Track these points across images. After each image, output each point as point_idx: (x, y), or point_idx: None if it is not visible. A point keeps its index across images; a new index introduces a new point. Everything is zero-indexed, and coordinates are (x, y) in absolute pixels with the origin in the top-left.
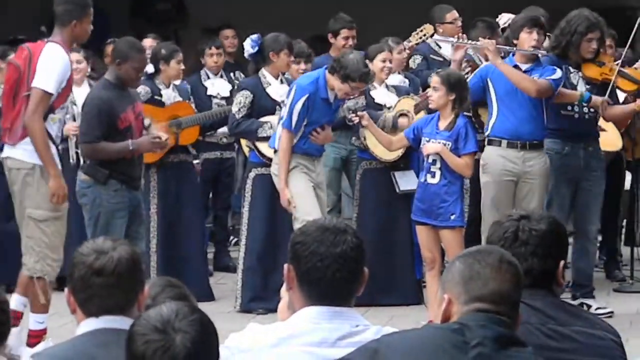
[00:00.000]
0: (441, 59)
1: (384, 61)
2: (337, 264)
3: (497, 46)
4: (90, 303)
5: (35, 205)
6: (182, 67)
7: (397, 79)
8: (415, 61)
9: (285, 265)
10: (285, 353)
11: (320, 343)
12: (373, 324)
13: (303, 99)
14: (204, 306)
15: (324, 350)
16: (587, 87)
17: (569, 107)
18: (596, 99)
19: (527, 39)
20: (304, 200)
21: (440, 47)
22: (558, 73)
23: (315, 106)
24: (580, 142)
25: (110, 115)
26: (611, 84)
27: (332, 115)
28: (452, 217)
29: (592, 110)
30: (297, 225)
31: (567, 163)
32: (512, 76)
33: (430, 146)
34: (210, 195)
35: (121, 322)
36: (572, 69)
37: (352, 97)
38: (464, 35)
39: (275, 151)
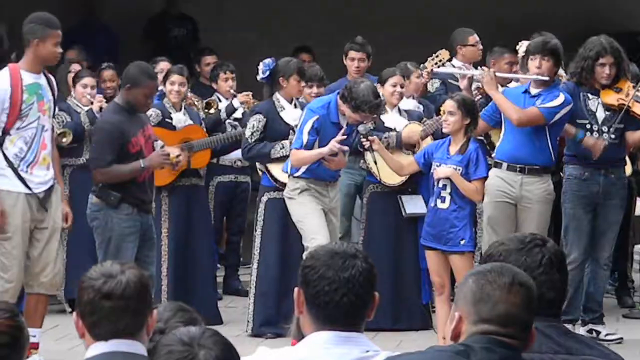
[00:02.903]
0: (459, 84)
1: (394, 86)
2: (345, 289)
3: (498, 74)
4: (98, 327)
5: None
6: (175, 88)
7: (411, 104)
8: (434, 85)
9: (296, 289)
10: None
11: None
12: (382, 349)
13: (312, 119)
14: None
15: None
16: (607, 113)
17: (588, 133)
18: (587, 139)
19: (531, 66)
20: (310, 221)
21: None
22: (559, 100)
23: (325, 130)
24: (601, 169)
25: (121, 139)
26: (623, 110)
27: (348, 140)
28: (462, 242)
29: (613, 136)
30: (305, 244)
31: (585, 189)
32: (501, 105)
33: (441, 170)
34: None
35: (130, 346)
36: (590, 95)
37: (363, 122)
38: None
39: (290, 175)
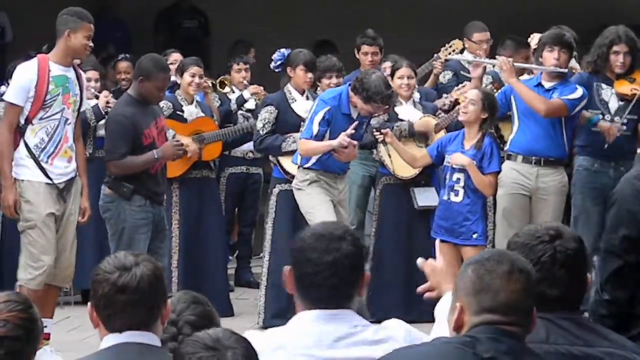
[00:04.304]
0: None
1: (401, 78)
2: (328, 272)
3: (515, 64)
4: (113, 320)
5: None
6: (196, 80)
7: (409, 109)
8: (446, 77)
9: (286, 268)
10: (282, 357)
11: (318, 345)
12: None
13: (324, 110)
14: (224, 322)
15: (321, 352)
16: (621, 103)
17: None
18: (603, 123)
19: (549, 57)
20: (319, 212)
21: (468, 63)
22: (578, 92)
23: (336, 121)
24: (611, 161)
25: (135, 131)
26: (635, 99)
27: (358, 133)
28: (474, 235)
29: (625, 127)
30: None
31: (595, 180)
32: (524, 95)
33: (457, 157)
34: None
35: (144, 337)
36: (604, 85)
37: (376, 115)
38: (480, 53)
39: (299, 167)
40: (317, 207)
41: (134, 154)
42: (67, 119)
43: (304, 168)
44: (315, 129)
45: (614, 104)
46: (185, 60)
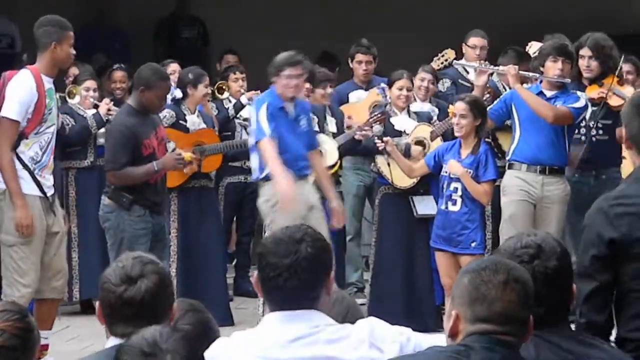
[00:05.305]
0: (469, 84)
1: (400, 89)
2: (287, 274)
3: (520, 72)
4: (117, 328)
5: (4, 230)
6: (209, 90)
7: (426, 107)
8: (445, 85)
9: (254, 273)
10: (242, 359)
11: (273, 346)
12: None
13: (263, 106)
14: (224, 331)
15: (275, 352)
16: (594, 108)
17: (576, 132)
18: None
19: (552, 67)
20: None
21: (468, 73)
22: (581, 101)
23: (275, 117)
24: (591, 170)
25: (135, 142)
26: (602, 104)
27: (299, 132)
28: (473, 244)
29: (601, 132)
30: None
31: (576, 190)
32: (531, 102)
33: (454, 165)
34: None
35: None
36: (579, 92)
37: (296, 92)
38: (487, 62)
39: (261, 180)
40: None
41: (134, 164)
42: (55, 132)
43: (267, 181)
44: (266, 126)
45: (588, 110)
46: (201, 71)
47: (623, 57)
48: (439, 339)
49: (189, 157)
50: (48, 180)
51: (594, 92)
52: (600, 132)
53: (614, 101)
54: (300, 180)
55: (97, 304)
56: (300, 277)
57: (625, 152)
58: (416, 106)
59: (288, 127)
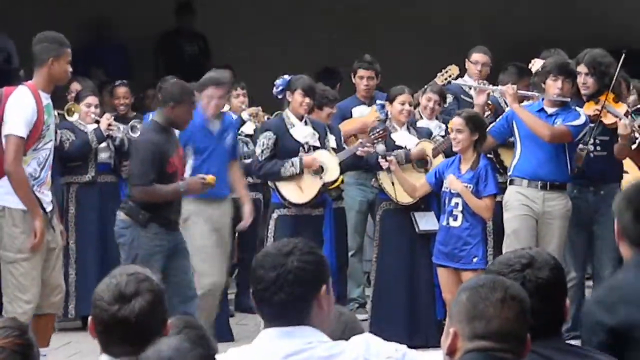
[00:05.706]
0: (471, 100)
1: (402, 104)
2: (274, 287)
3: (519, 92)
4: (109, 346)
5: (3, 247)
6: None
7: (433, 124)
8: (447, 100)
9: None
10: None
11: None
12: None
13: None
14: (224, 347)
15: None
16: (591, 125)
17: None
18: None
19: (552, 86)
20: (204, 259)
21: (470, 88)
22: (581, 119)
23: (196, 137)
24: (590, 186)
25: (162, 159)
26: (597, 121)
27: (222, 151)
28: (475, 259)
29: (598, 148)
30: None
31: (575, 206)
32: (528, 122)
33: (453, 181)
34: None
35: None
36: (577, 108)
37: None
38: (485, 81)
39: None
40: (201, 250)
41: (159, 182)
42: (53, 148)
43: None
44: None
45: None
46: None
47: (617, 72)
48: (436, 357)
49: (212, 180)
50: (47, 196)
51: (590, 109)
52: (598, 148)
53: (608, 119)
54: (216, 202)
55: (89, 318)
56: (286, 291)
57: (627, 167)
58: (422, 124)
59: (211, 146)
